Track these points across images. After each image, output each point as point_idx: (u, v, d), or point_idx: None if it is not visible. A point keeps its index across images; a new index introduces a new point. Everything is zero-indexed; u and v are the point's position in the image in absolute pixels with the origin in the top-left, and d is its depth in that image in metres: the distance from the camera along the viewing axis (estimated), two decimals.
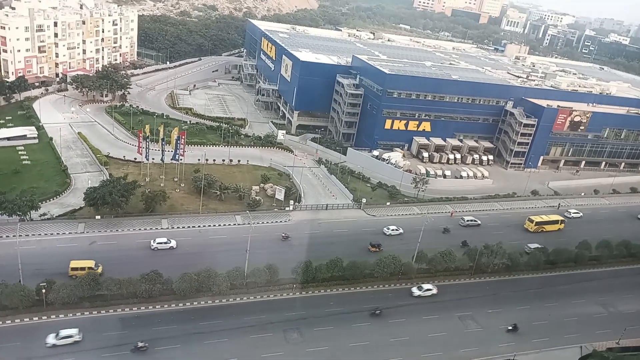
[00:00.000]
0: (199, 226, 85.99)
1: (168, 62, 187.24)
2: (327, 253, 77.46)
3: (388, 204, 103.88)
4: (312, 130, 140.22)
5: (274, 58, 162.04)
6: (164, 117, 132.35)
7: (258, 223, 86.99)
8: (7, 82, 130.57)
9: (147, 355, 57.48)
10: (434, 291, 75.45)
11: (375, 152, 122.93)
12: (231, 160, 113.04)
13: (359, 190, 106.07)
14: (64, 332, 57.25)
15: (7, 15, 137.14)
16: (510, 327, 70.29)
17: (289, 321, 66.13)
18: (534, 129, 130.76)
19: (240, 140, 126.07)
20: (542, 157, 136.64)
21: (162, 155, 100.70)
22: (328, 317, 68.01)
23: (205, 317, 64.90)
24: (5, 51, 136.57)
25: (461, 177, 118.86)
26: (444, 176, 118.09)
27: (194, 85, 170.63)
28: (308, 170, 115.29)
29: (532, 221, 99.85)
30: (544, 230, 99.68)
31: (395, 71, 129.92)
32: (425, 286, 75.72)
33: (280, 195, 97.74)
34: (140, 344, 57.58)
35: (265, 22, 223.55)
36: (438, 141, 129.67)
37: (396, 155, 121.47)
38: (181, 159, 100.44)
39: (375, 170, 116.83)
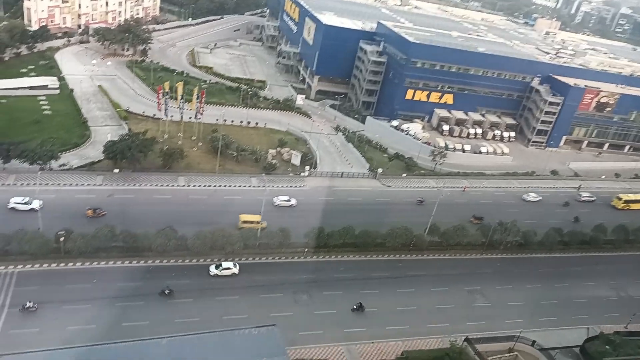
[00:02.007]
0: (214, 186, 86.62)
1: (190, 19, 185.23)
2: (339, 220, 77.70)
3: (404, 175, 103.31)
4: (332, 97, 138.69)
5: (296, 20, 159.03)
6: (184, 74, 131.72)
7: (273, 186, 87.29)
8: (30, 31, 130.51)
9: (163, 305, 58.90)
10: (235, 270, 66.07)
11: (395, 122, 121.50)
12: (249, 122, 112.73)
13: (376, 160, 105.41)
14: None
15: None
16: (355, 307, 64.05)
17: (299, 283, 67.09)
18: (559, 107, 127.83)
19: (259, 103, 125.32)
20: (564, 137, 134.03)
21: (181, 113, 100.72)
22: (337, 282, 68.82)
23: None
24: (28, 0, 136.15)
25: (480, 152, 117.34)
26: (463, 150, 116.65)
27: (215, 44, 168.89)
28: (325, 137, 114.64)
29: (620, 199, 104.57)
30: (630, 208, 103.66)
31: (421, 40, 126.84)
32: (225, 264, 66.55)
33: (296, 160, 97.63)
34: (28, 304, 54.71)
35: None
36: (459, 114, 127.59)
37: (415, 127, 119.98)
38: (200, 118, 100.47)
39: (393, 141, 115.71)
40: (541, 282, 77.40)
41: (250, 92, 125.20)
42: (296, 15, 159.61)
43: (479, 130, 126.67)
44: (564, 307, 72.57)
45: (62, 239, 62.17)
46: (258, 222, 73.95)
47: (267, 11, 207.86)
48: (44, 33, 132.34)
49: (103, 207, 72.96)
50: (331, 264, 72.49)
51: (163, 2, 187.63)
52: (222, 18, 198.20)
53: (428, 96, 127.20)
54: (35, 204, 69.73)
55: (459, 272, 76.37)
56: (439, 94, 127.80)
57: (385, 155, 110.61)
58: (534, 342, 61.94)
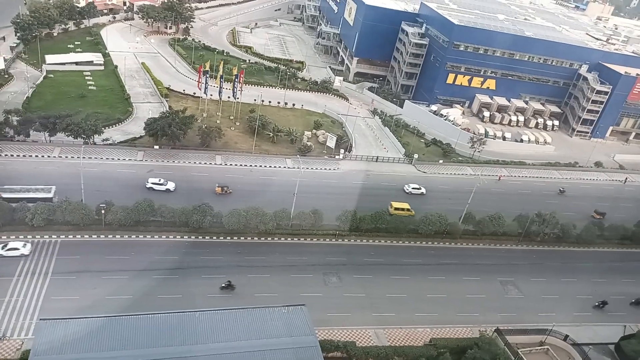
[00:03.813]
0: (251, 165, 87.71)
1: None
2: (373, 205, 77.57)
3: (441, 161, 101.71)
4: (370, 79, 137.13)
5: (338, 0, 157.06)
6: (224, 54, 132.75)
7: (307, 168, 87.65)
8: (78, 7, 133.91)
9: (198, 279, 60.63)
10: (24, 251, 59.43)
11: (434, 107, 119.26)
12: (286, 103, 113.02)
13: (412, 145, 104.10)
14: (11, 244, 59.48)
15: None
16: (224, 285, 60.21)
17: (329, 265, 67.65)
18: (607, 96, 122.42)
19: (297, 84, 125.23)
20: (611, 128, 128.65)
21: (220, 92, 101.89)
22: (368, 266, 68.99)
23: (250, 252, 67.34)
24: None
25: (522, 140, 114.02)
26: (504, 138, 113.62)
27: (256, 24, 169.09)
28: (362, 120, 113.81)
29: None
30: None
31: (465, 22, 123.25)
32: (11, 244, 59.84)
33: (331, 142, 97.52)
34: None
35: None
36: (502, 101, 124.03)
37: (455, 112, 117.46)
38: (238, 98, 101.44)
39: (431, 126, 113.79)
40: (577, 276, 75.36)
41: (288, 73, 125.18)
42: None
43: (521, 118, 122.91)
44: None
45: (103, 211, 64.53)
46: (408, 210, 79.96)
47: None
48: (90, 10, 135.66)
49: (141, 182, 75.08)
50: (362, 248, 72.64)
51: None
52: None
53: (470, 81, 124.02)
54: (170, 185, 75.93)
55: (492, 262, 75.17)
56: (481, 79, 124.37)
57: (423, 140, 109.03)
58: (566, 336, 60.68)
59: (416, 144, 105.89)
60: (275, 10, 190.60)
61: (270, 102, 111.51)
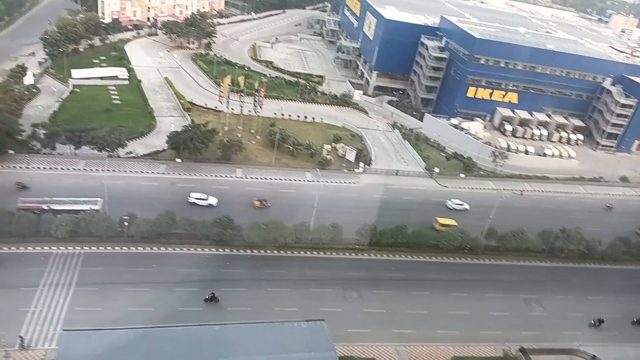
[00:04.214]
0: (271, 179, 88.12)
1: (253, 13, 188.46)
2: (393, 219, 77.04)
3: (462, 175, 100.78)
4: (390, 93, 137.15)
5: (357, 14, 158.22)
6: (245, 68, 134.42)
7: (327, 182, 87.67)
8: (103, 23, 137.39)
9: (217, 292, 60.67)
10: None
11: (454, 121, 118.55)
12: (306, 117, 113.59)
13: (433, 159, 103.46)
14: None
15: None
16: (207, 297, 58.79)
17: (349, 280, 67.20)
18: (633, 110, 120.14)
19: (317, 98, 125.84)
20: (637, 142, 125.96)
21: (241, 106, 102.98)
22: (388, 282, 68.37)
23: (270, 265, 67.35)
24: None
25: (545, 155, 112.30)
26: (526, 152, 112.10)
27: (276, 38, 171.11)
28: (381, 133, 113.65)
29: None
30: None
31: (485, 36, 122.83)
32: None
33: (351, 156, 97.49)
34: None
35: None
36: (524, 114, 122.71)
37: (476, 126, 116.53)
38: (259, 112, 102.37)
39: (452, 140, 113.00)
40: (604, 294, 73.39)
41: (308, 87, 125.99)
42: (357, 10, 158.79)
43: (544, 132, 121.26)
44: (628, 322, 68.44)
45: (125, 223, 65.37)
46: (455, 226, 78.46)
47: (329, 6, 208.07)
48: (115, 25, 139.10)
49: (165, 195, 75.89)
50: (382, 263, 72.06)
51: None
52: (283, 12, 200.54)
53: (491, 94, 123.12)
54: (212, 201, 76.67)
55: (515, 278, 73.80)
56: (503, 92, 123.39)
57: (443, 154, 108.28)
58: (593, 356, 59.05)
59: (437, 157, 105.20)
60: (296, 25, 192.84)
61: (290, 115, 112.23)
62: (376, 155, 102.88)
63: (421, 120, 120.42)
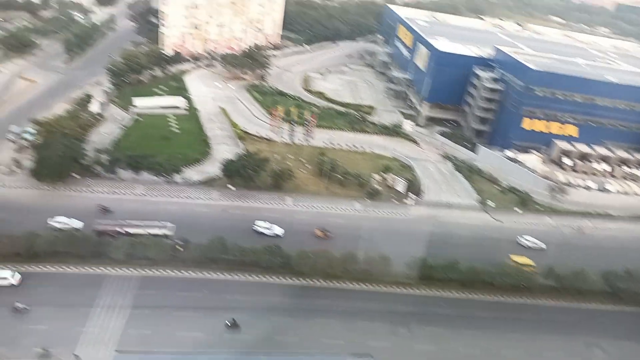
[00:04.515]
0: (320, 207, 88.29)
1: (306, 46, 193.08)
2: (444, 253, 75.15)
3: (518, 210, 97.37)
4: (441, 124, 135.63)
5: (409, 46, 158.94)
6: (297, 99, 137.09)
7: (376, 212, 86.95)
8: (165, 55, 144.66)
9: (265, 322, 60.77)
10: (12, 282, 60.69)
11: (509, 153, 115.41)
12: (356, 147, 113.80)
13: (486, 192, 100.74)
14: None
15: None
16: (229, 323, 59.31)
17: (398, 314, 65.67)
18: None
19: (367, 128, 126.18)
20: None
21: (292, 136, 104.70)
22: (439, 318, 66.30)
23: (317, 296, 66.94)
24: (165, 26, 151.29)
25: (607, 190, 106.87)
26: (587, 188, 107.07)
27: (328, 70, 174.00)
28: (432, 164, 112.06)
29: None
30: None
31: (541, 67, 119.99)
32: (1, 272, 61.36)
33: (400, 187, 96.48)
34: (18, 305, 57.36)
35: (405, 8, 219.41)
36: (583, 148, 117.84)
37: (533, 159, 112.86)
38: (309, 141, 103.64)
39: (506, 173, 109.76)
40: None
41: (358, 117, 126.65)
42: (409, 42, 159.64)
43: (606, 166, 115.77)
44: None
45: (178, 247, 67.06)
46: (531, 266, 76.61)
47: (380, 37, 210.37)
48: (176, 57, 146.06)
49: (217, 222, 77.47)
50: (433, 299, 70.07)
51: (282, 30, 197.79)
52: (335, 44, 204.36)
53: (548, 126, 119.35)
54: (278, 231, 77.84)
55: (575, 321, 69.73)
56: (560, 124, 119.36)
57: (498, 187, 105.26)
58: None
59: (491, 190, 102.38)
60: (347, 57, 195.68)
61: (340, 145, 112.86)
62: (427, 186, 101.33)
63: (474, 151, 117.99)
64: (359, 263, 70.68)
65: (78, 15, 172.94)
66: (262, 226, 78.11)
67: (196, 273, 67.46)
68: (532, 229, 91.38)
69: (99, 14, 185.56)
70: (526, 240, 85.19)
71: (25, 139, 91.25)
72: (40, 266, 64.31)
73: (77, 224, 71.80)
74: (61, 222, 71.64)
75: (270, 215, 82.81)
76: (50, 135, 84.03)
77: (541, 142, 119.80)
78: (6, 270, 61.74)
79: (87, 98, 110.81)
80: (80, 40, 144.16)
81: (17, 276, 61.52)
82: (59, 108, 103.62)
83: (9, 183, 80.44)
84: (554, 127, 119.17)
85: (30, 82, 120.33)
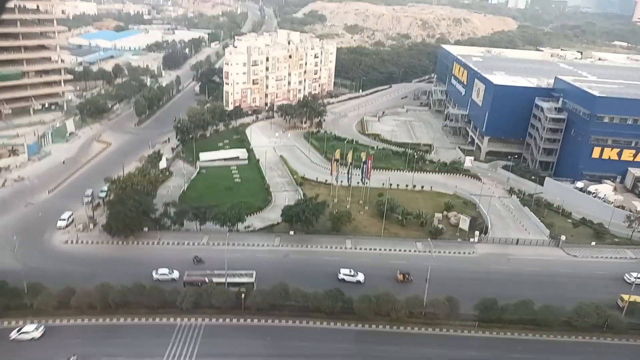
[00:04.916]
0: (380, 249, 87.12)
1: (360, 91, 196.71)
2: (515, 292, 71.25)
3: (593, 243, 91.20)
4: (504, 158, 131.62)
5: (465, 82, 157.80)
6: (354, 142, 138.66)
7: (439, 252, 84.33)
8: (227, 111, 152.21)
9: None
10: (35, 335, 62.40)
11: (580, 184, 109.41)
12: (415, 186, 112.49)
13: (558, 226, 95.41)
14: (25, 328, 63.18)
15: (230, 53, 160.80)
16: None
17: None
18: None
19: (425, 166, 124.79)
20: None
21: (350, 179, 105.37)
22: None
23: (381, 341, 64.96)
24: (227, 84, 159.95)
25: None
26: None
27: (383, 112, 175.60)
28: (497, 200, 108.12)
29: None
30: None
31: (607, 93, 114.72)
32: (25, 328, 63.28)
33: (464, 224, 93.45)
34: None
35: (458, 47, 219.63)
36: None
37: (605, 189, 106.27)
38: (367, 182, 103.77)
39: (578, 205, 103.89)
40: None
41: (416, 156, 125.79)
42: (464, 78, 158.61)
43: None
44: None
45: (242, 295, 68.03)
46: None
47: (435, 77, 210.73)
48: (237, 112, 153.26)
49: (279, 267, 78.16)
50: (506, 342, 65.96)
51: (337, 78, 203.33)
52: (390, 87, 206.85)
53: (619, 154, 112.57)
54: (360, 277, 77.40)
55: None
56: (633, 151, 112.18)
57: (569, 220, 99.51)
58: None
59: (562, 224, 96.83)
60: (402, 98, 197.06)
61: (398, 185, 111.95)
62: (492, 223, 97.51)
63: (541, 184, 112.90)
64: (425, 306, 68.22)
65: (147, 80, 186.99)
66: (345, 273, 77.46)
67: (260, 320, 67.62)
68: (610, 263, 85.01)
69: (167, 77, 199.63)
70: (633, 277, 77.40)
71: (100, 197, 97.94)
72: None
73: (176, 274, 75.91)
74: (163, 273, 75.90)
75: (330, 259, 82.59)
76: (122, 192, 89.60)
77: (614, 170, 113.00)
78: (31, 325, 63.90)
79: (156, 155, 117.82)
80: (149, 102, 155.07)
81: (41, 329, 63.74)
82: (131, 166, 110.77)
83: (84, 239, 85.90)
84: (627, 154, 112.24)
85: (105, 144, 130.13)
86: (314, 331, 66.56)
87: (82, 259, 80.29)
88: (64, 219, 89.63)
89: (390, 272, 78.95)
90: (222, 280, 72.03)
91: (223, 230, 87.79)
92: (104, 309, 66.94)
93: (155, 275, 75.66)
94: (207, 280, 72.15)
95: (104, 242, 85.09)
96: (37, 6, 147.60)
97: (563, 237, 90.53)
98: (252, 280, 72.76)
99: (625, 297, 71.67)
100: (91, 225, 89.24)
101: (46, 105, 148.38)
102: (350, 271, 77.88)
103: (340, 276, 77.21)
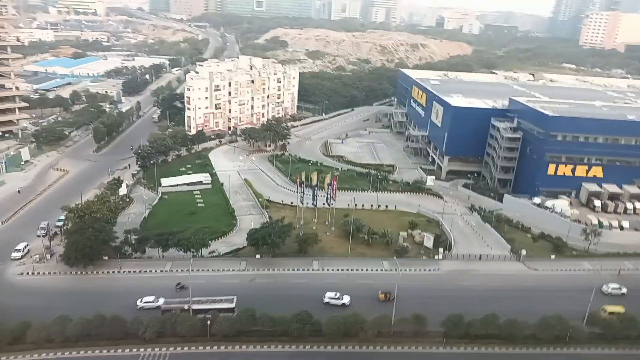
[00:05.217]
0: (347, 269, 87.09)
1: (323, 114, 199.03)
2: (481, 307, 72.32)
3: (553, 257, 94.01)
4: (464, 176, 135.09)
5: (424, 105, 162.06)
6: (318, 164, 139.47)
7: (406, 270, 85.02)
8: (189, 135, 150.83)
9: None
10: None
11: (537, 200, 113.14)
12: (379, 206, 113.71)
13: (518, 241, 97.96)
14: None
15: (192, 79, 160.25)
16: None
17: None
18: None
19: (389, 186, 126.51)
20: None
21: (315, 200, 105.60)
22: None
23: None
24: (189, 109, 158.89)
25: None
26: (621, 228, 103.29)
27: (346, 134, 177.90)
28: (459, 217, 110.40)
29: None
30: None
31: (560, 113, 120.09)
32: None
33: (429, 242, 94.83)
34: None
35: (417, 71, 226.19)
36: (612, 188, 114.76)
37: (562, 203, 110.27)
38: (332, 204, 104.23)
39: (536, 220, 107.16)
40: None
41: (379, 177, 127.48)
42: (424, 101, 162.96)
43: (639, 205, 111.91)
44: None
45: (208, 322, 66.37)
46: (623, 313, 73.95)
47: (395, 100, 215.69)
48: (200, 136, 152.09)
49: (246, 292, 76.90)
50: (473, 357, 66.61)
51: (300, 101, 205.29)
52: (352, 110, 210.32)
53: (573, 170, 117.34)
54: (346, 300, 75.94)
55: None
56: (586, 167, 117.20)
57: (529, 235, 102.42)
58: None
59: (522, 239, 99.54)
60: (364, 121, 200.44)
61: (363, 205, 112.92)
62: (456, 240, 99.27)
63: (500, 201, 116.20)
64: (393, 325, 68.33)
65: (106, 106, 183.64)
66: (329, 297, 76.28)
67: (227, 347, 66.06)
68: (569, 275, 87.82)
69: (126, 103, 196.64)
70: (610, 287, 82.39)
71: (57, 227, 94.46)
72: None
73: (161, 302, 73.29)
74: (147, 301, 73.50)
75: (298, 282, 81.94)
76: (80, 221, 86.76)
77: (569, 186, 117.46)
78: None
79: (116, 182, 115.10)
80: (108, 128, 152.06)
81: None
82: (90, 194, 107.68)
83: (41, 270, 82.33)
84: (580, 170, 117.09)
85: (63, 172, 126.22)
86: (283, 355, 65.44)
87: (38, 291, 76.91)
88: (19, 250, 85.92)
89: (361, 292, 78.64)
90: (202, 307, 70.26)
91: (187, 257, 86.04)
92: (63, 342, 63.95)
93: (139, 304, 73.16)
94: (186, 307, 70.13)
95: (62, 273, 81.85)
96: None
97: (524, 252, 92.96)
98: (232, 305, 71.20)
99: (608, 308, 74.28)
100: (48, 256, 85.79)
101: (0, 134, 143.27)
102: (335, 294, 76.72)
103: (325, 300, 76.09)
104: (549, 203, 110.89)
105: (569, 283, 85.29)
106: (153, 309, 72.19)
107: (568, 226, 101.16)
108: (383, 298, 77.00)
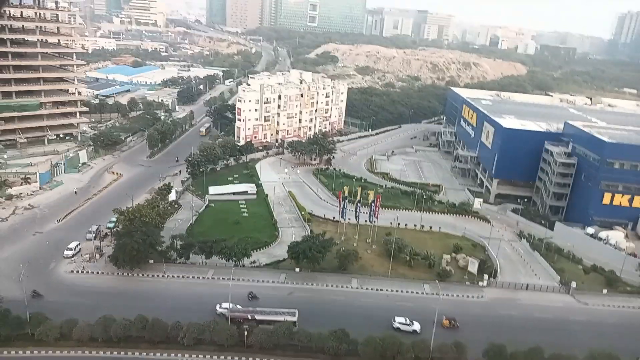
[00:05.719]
0: (387, 290, 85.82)
1: (370, 130, 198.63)
2: (524, 339, 69.42)
3: (605, 291, 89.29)
4: (513, 201, 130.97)
5: (474, 125, 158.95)
6: (362, 180, 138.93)
7: (447, 295, 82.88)
8: (238, 146, 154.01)
9: None
10: None
11: (590, 230, 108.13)
12: (423, 226, 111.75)
13: (568, 272, 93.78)
14: None
15: (243, 90, 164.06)
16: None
17: None
18: None
19: (434, 207, 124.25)
20: None
21: (357, 216, 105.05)
22: None
23: None
24: (239, 120, 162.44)
25: None
26: None
27: (392, 151, 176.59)
28: (507, 243, 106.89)
29: None
30: None
31: (617, 139, 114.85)
32: None
33: (473, 267, 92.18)
34: None
35: (468, 90, 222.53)
36: None
37: (617, 235, 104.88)
38: (375, 221, 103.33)
39: (589, 251, 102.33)
40: None
41: (424, 196, 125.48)
42: (474, 121, 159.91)
43: None
44: None
45: (245, 332, 66.92)
46: None
47: (444, 118, 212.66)
48: (248, 147, 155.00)
49: (284, 304, 77.13)
50: None
51: (347, 117, 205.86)
52: (399, 127, 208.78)
53: (630, 200, 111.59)
54: (417, 327, 74.43)
55: None
56: None
57: (580, 267, 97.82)
58: None
59: (572, 270, 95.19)
60: (411, 139, 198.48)
61: (406, 225, 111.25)
62: (502, 266, 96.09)
63: (551, 229, 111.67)
64: (431, 351, 66.60)
65: (161, 114, 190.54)
66: (400, 322, 74.88)
67: (262, 359, 66.29)
68: (622, 312, 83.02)
69: (180, 112, 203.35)
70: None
71: (108, 228, 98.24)
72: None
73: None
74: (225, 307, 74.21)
75: (336, 298, 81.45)
76: (130, 224, 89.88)
77: (625, 217, 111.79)
78: None
79: (166, 188, 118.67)
80: (162, 135, 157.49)
81: None
82: (141, 198, 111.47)
83: (90, 269, 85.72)
84: (638, 201, 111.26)
85: (117, 175, 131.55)
86: None
87: (86, 289, 79.95)
88: (71, 248, 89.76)
89: (394, 312, 77.20)
90: (265, 317, 71.50)
91: (229, 265, 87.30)
92: (106, 342, 66.08)
93: (219, 309, 75.09)
94: (249, 317, 71.48)
95: (109, 273, 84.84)
96: (59, 40, 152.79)
97: (574, 284, 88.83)
98: (294, 319, 71.85)
99: None
100: (97, 256, 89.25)
101: (61, 136, 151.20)
102: (405, 320, 75.11)
103: (396, 325, 74.59)
104: (603, 234, 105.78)
105: (621, 320, 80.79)
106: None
107: (623, 259, 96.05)
108: (447, 324, 75.01)
